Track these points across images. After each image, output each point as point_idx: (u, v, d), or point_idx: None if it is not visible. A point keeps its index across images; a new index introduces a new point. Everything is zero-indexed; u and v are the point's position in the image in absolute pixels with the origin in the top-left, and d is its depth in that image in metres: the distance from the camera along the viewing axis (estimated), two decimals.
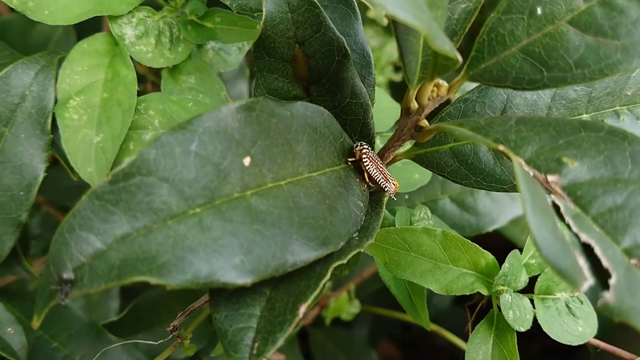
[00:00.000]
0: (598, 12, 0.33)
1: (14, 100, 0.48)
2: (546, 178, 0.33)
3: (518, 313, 0.43)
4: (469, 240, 0.44)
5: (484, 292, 0.44)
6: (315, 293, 0.35)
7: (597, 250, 0.29)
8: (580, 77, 0.33)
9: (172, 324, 0.42)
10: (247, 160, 0.36)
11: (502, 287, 0.43)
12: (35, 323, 0.32)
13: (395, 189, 0.45)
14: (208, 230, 0.33)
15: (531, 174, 0.33)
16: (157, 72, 0.54)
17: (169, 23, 0.53)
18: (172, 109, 0.52)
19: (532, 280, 0.47)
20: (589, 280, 0.27)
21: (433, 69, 0.36)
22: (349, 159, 0.43)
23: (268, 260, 0.34)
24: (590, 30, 0.33)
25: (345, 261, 0.37)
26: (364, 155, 0.43)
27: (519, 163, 0.31)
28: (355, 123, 0.46)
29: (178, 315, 0.42)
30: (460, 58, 0.32)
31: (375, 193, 0.46)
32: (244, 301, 0.36)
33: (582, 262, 0.27)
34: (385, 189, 0.44)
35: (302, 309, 0.35)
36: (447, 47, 0.30)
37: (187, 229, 0.33)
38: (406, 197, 0.68)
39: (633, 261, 0.29)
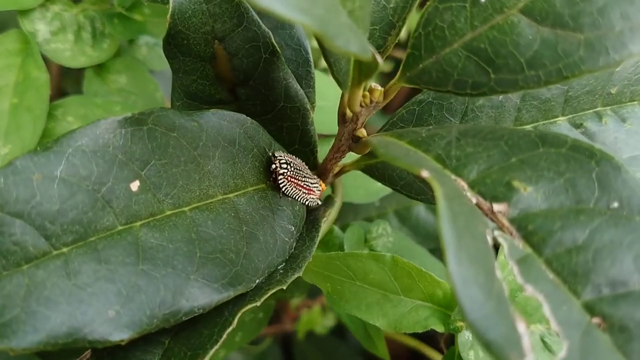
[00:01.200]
0: None
1: None
2: (492, 207, 0.26)
3: (480, 353, 0.37)
4: (422, 268, 0.37)
5: (440, 328, 0.37)
6: (217, 346, 0.29)
7: (546, 309, 0.22)
8: (534, 80, 0.27)
9: None
10: (135, 185, 0.30)
11: (461, 324, 0.37)
12: None
13: (321, 192, 0.39)
14: (75, 275, 0.27)
15: (474, 201, 0.27)
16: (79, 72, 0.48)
17: (91, 17, 0.47)
18: (96, 113, 0.46)
19: None
20: (528, 357, 0.20)
21: (359, 72, 0.30)
22: (270, 179, 0.37)
23: (154, 310, 0.28)
24: (546, 21, 0.27)
25: (259, 303, 0.31)
26: (280, 177, 0.36)
27: (452, 190, 0.24)
28: (293, 130, 0.40)
29: None
30: (379, 58, 0.26)
31: (313, 211, 0.39)
32: (134, 355, 0.30)
33: (523, 328, 0.21)
34: (307, 203, 0.38)
35: None
36: (355, 47, 0.23)
37: (47, 275, 0.26)
38: (377, 204, 0.61)
39: (595, 320, 0.23)
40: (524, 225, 0.25)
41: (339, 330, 0.84)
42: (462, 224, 0.23)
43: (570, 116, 0.39)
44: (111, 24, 0.47)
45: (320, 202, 0.39)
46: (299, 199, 0.37)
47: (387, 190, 0.51)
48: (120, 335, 0.27)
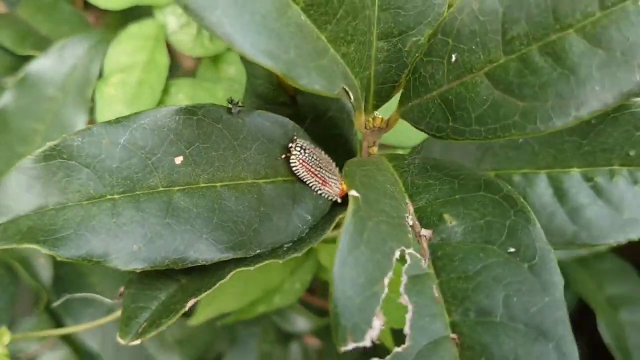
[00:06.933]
0: (513, 67, 0.31)
1: (66, 70, 0.56)
2: (420, 230, 0.32)
3: None
4: None
5: None
6: (208, 292, 0.38)
7: (409, 315, 0.28)
8: (477, 135, 0.32)
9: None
10: (179, 159, 0.39)
11: None
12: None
13: (341, 190, 0.44)
14: (117, 215, 0.37)
15: (411, 223, 0.32)
16: None
17: None
18: (200, 95, 0.56)
19: None
20: (364, 343, 0.26)
21: (360, 102, 0.36)
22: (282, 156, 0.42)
23: (168, 253, 0.37)
24: (500, 86, 0.31)
25: (252, 268, 0.39)
26: (292, 157, 0.42)
27: (372, 210, 0.31)
28: (338, 138, 0.47)
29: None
30: (352, 98, 0.32)
31: (337, 209, 0.46)
32: (154, 284, 0.40)
33: (378, 324, 0.27)
34: (321, 193, 0.44)
35: (190, 303, 0.38)
36: (318, 85, 0.30)
37: (98, 211, 0.37)
38: None
39: (452, 335, 0.28)
40: (436, 251, 0.31)
41: None
42: (366, 237, 0.29)
43: (584, 169, 0.42)
44: None
45: (339, 200, 0.45)
46: (312, 187, 0.43)
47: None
48: (136, 265, 0.37)
